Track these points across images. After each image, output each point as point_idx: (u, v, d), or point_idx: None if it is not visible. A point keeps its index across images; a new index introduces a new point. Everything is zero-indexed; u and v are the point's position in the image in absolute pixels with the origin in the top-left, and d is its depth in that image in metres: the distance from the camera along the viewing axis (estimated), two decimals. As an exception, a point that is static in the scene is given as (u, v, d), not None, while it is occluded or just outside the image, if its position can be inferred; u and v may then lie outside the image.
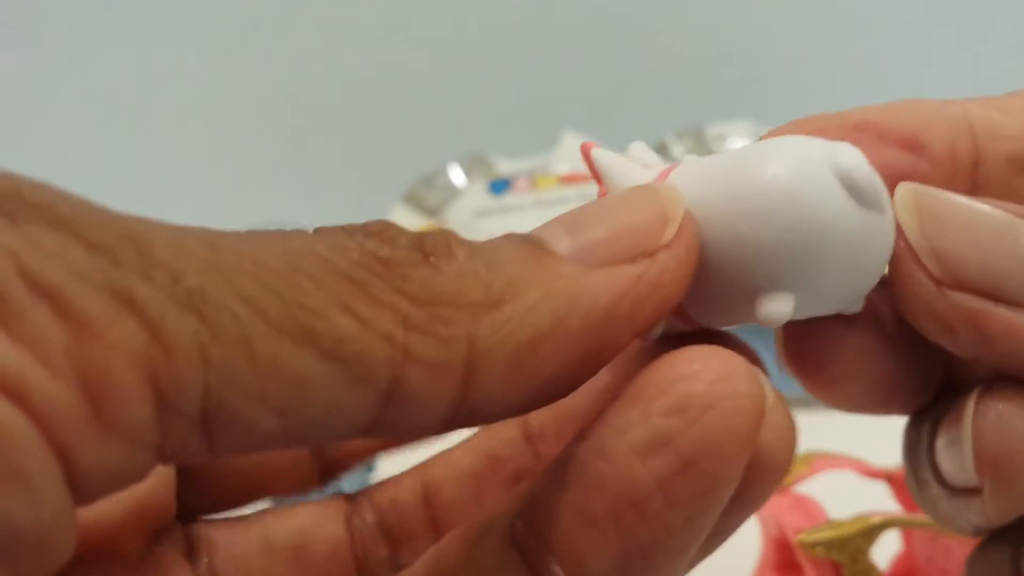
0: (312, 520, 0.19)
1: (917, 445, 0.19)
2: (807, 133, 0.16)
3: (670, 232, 0.14)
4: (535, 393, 0.13)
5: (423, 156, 0.64)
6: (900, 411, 0.19)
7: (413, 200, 0.62)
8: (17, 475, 0.10)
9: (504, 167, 0.63)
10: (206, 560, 0.19)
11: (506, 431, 0.20)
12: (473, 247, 0.14)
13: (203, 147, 0.76)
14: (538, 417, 0.20)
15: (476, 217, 0.57)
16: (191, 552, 0.19)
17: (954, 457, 0.17)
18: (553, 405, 0.19)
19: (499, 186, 0.59)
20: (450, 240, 0.14)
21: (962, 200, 0.16)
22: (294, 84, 0.75)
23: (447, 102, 0.76)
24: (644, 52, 0.76)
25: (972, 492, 0.17)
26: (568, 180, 0.58)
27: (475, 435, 0.20)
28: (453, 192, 0.62)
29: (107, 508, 0.17)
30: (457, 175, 0.63)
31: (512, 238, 0.14)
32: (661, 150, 0.65)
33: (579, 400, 0.19)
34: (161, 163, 0.76)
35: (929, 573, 0.32)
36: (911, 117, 0.18)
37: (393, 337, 0.12)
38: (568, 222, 0.14)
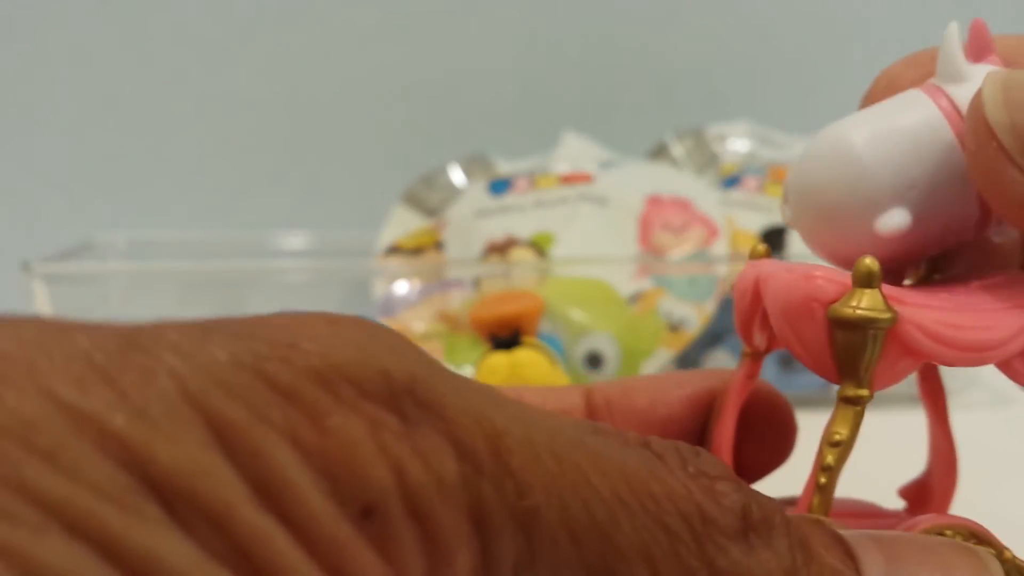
0: None
1: None
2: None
3: None
4: None
5: (423, 156, 0.64)
6: None
7: (413, 200, 0.62)
8: None
9: (504, 167, 0.63)
10: None
11: (571, 397, 0.20)
12: (796, 539, 0.13)
13: (202, 146, 0.76)
14: (603, 393, 0.20)
15: (476, 217, 0.57)
16: None
17: None
18: (619, 396, 0.20)
19: (499, 186, 0.59)
20: (775, 521, 0.13)
21: None
22: (294, 84, 0.75)
23: (447, 102, 0.75)
24: (644, 52, 0.76)
25: None
26: (568, 180, 0.58)
27: (538, 392, 0.20)
28: (453, 192, 0.62)
29: None
30: (457, 175, 0.63)
31: (833, 539, 0.14)
32: (661, 150, 0.65)
33: (642, 400, 0.20)
34: (160, 162, 0.76)
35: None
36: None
37: None
38: (891, 554, 0.14)
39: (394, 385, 0.11)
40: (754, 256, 0.18)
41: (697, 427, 0.20)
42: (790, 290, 0.17)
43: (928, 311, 0.16)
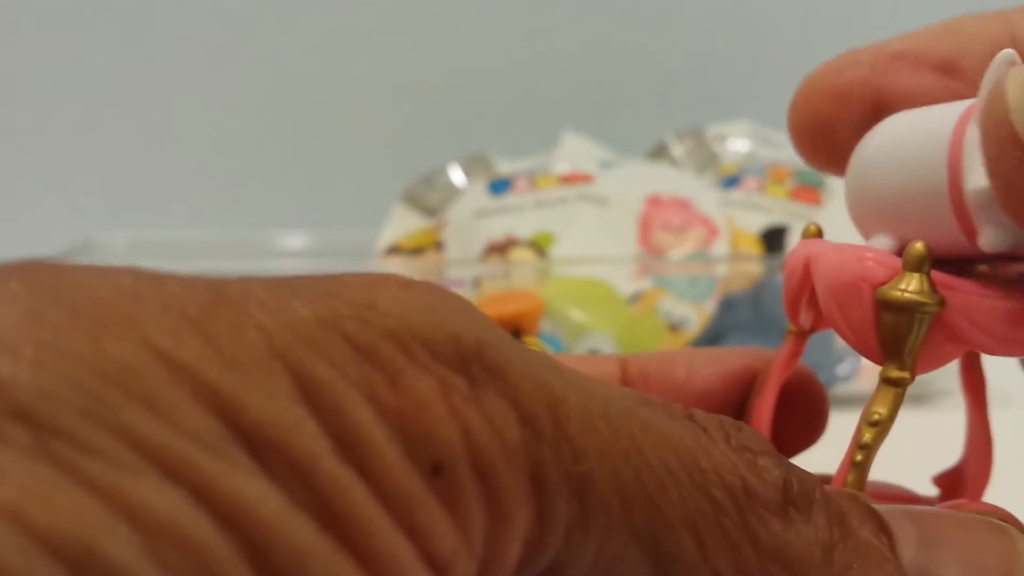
0: None
1: None
2: (845, 71, 0.18)
3: None
4: None
5: (423, 156, 0.64)
6: None
7: (413, 200, 0.62)
8: None
9: (504, 167, 0.63)
10: None
11: (606, 367, 0.20)
12: (834, 514, 0.14)
13: (203, 146, 0.76)
14: (639, 365, 0.20)
15: (476, 217, 0.57)
16: None
17: None
18: (655, 368, 0.20)
19: (499, 186, 0.59)
20: (814, 496, 0.13)
21: None
22: (294, 84, 0.75)
23: (447, 102, 0.76)
24: (644, 52, 0.76)
25: None
26: (568, 180, 0.58)
27: (574, 361, 0.21)
28: (453, 192, 0.62)
29: None
30: (457, 175, 0.63)
31: (868, 514, 0.14)
32: (661, 150, 0.65)
33: (679, 373, 0.20)
34: (160, 162, 0.76)
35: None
36: (948, 40, 0.18)
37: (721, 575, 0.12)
38: (924, 530, 0.14)
39: (463, 349, 0.12)
40: (807, 235, 0.19)
41: (732, 403, 0.20)
42: (840, 269, 0.17)
43: (975, 299, 0.16)
